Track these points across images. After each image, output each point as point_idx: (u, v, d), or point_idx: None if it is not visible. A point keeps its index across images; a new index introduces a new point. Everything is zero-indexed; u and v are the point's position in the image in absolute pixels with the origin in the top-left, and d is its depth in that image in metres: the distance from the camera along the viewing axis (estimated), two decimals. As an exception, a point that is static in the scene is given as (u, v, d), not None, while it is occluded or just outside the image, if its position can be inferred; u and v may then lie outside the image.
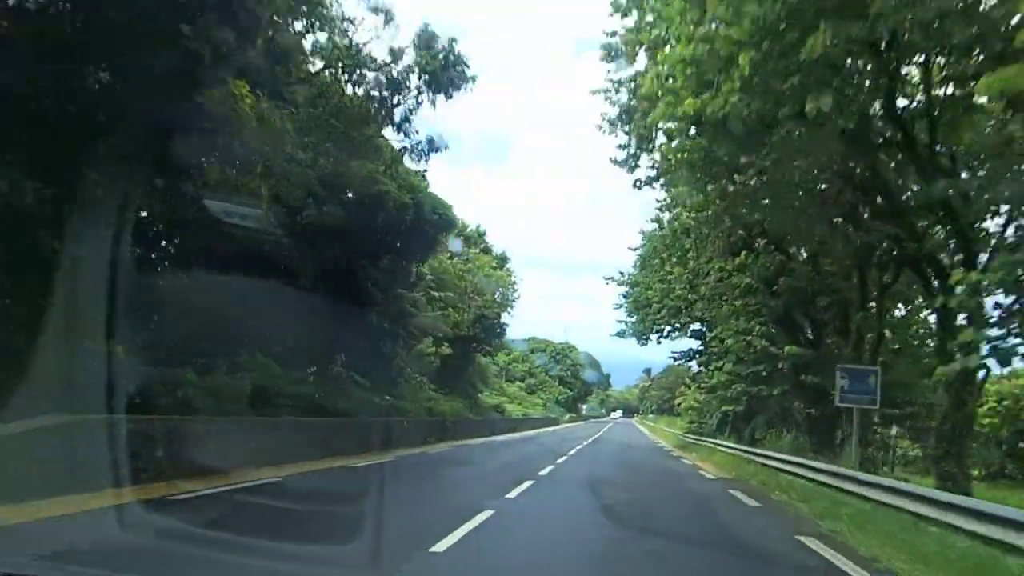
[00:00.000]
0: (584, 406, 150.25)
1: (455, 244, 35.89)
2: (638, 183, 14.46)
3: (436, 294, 33.65)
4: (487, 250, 40.36)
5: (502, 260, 41.63)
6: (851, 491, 12.90)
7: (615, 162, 13.71)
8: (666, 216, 24.55)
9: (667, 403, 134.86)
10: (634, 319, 36.85)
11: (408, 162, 20.66)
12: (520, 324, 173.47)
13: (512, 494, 12.03)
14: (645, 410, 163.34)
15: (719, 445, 29.45)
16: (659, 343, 39.53)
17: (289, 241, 18.92)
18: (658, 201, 23.89)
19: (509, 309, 42.14)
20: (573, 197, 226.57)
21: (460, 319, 35.78)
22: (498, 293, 42.53)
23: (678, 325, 37.28)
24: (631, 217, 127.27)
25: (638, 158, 13.82)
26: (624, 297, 36.60)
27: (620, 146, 13.35)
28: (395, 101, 17.45)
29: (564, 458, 23.33)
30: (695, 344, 40.33)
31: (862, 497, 12.41)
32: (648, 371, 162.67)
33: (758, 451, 22.03)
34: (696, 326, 37.61)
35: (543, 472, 17.24)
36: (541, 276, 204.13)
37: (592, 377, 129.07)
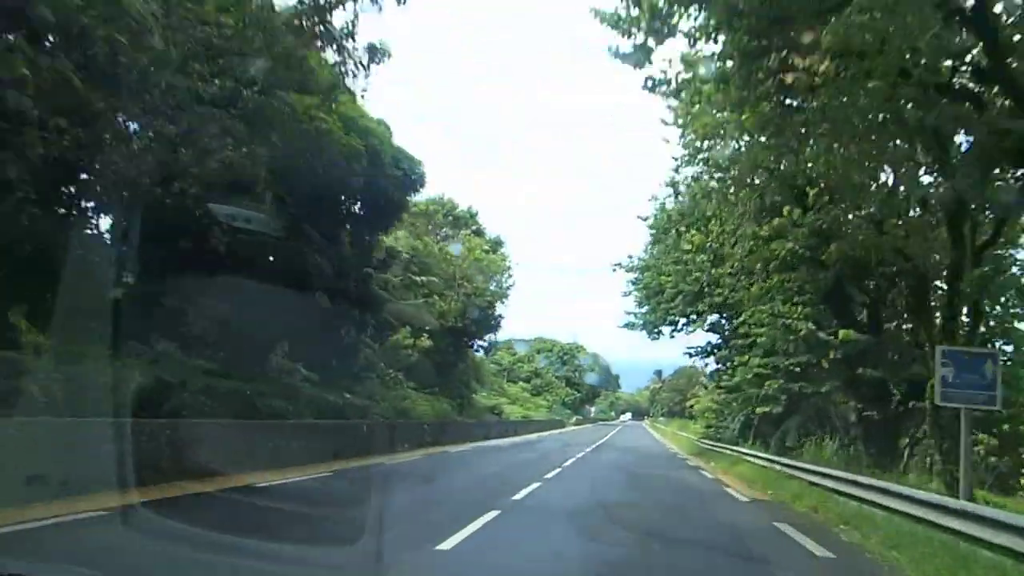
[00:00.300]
0: (592, 408, 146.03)
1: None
2: (650, 83, 10.19)
3: (418, 278, 29.44)
4: (479, 232, 36.16)
5: (496, 244, 37.39)
6: (967, 534, 8.56)
7: (618, 56, 9.44)
8: (685, 175, 20.10)
9: (678, 405, 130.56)
10: (644, 309, 32.51)
11: (359, 103, 16.38)
12: (526, 324, 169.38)
13: (449, 543, 7.69)
14: (656, 413, 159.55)
15: (743, 454, 25.06)
16: (672, 336, 35.26)
17: (201, 195, 14.70)
18: (675, 159, 19.57)
19: (504, 299, 37.95)
20: (579, 196, 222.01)
21: (447, 308, 31.56)
22: (493, 283, 38.34)
23: (694, 316, 32.97)
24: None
25: (650, 52, 9.52)
26: (633, 284, 32.27)
27: (622, 28, 9.04)
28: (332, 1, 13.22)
29: (558, 470, 19.08)
30: (713, 338, 36.10)
31: (988, 545, 8.08)
32: (659, 373, 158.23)
33: (798, 464, 17.64)
34: (714, 318, 33.33)
35: (522, 493, 12.98)
36: (551, 277, 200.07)
37: (600, 378, 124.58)
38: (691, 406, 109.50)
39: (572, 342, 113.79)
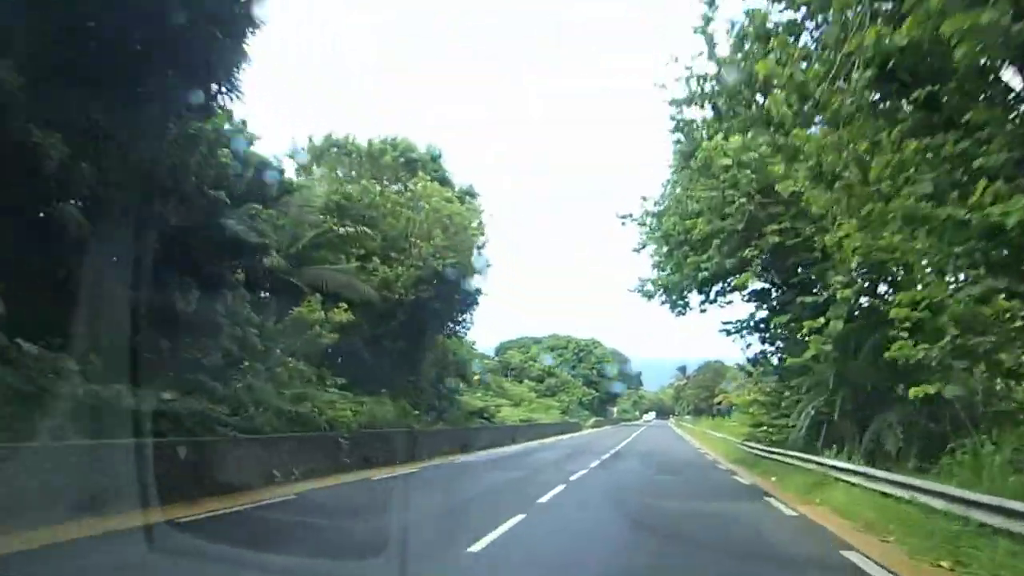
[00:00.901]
0: (614, 408, 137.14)
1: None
2: None
3: (343, 229, 20.97)
4: (444, 180, 27.51)
5: (466, 195, 28.54)
6: None
7: None
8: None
9: (705, 402, 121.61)
10: (666, 270, 23.71)
11: None
12: (539, 324, 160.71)
13: None
14: (681, 411, 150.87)
15: (830, 468, 16.23)
16: (703, 308, 26.50)
17: None
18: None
19: (478, 268, 29.32)
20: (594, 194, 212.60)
21: (396, 275, 23.09)
22: (475, 253, 29.81)
23: (731, 280, 24.23)
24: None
25: None
26: (649, 233, 23.44)
27: None
28: None
29: (518, 518, 10.45)
30: (752, 309, 27.29)
31: None
32: (683, 369, 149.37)
33: (971, 497, 9.01)
34: (760, 286, 24.64)
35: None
36: (567, 276, 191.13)
37: (620, 376, 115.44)
38: (719, 403, 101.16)
39: (590, 339, 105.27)
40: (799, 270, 19.12)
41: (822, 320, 17.47)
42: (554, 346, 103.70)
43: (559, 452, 29.66)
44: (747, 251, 18.68)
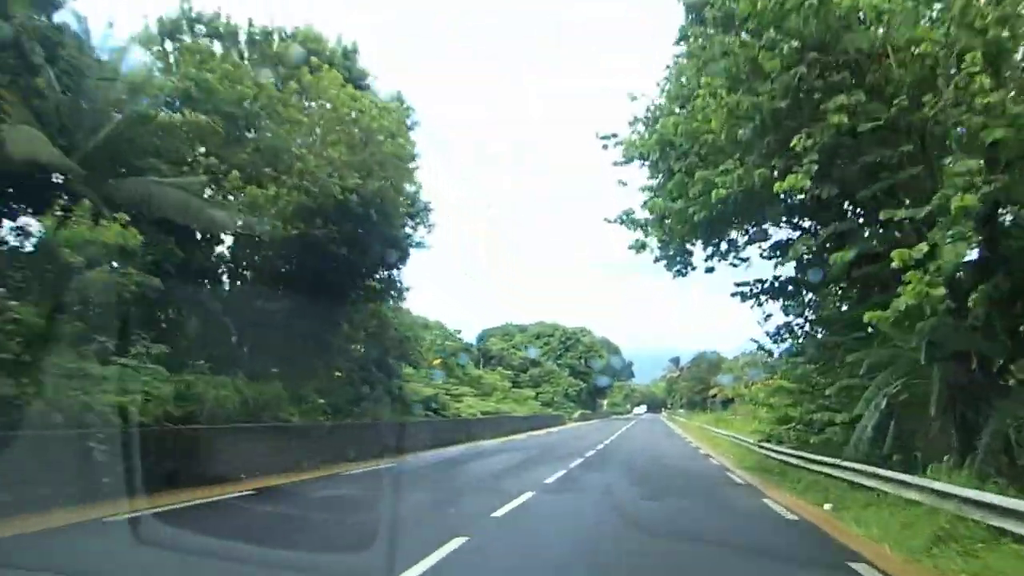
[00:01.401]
0: (603, 401, 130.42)
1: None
2: None
3: (172, 116, 13.59)
4: (361, 87, 19.79)
5: (394, 111, 20.75)
6: None
7: None
8: None
9: (698, 395, 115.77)
10: (665, 195, 16.33)
11: None
12: (528, 313, 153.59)
13: None
14: (674, 404, 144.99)
15: (969, 505, 8.95)
16: (710, 265, 19.55)
17: None
18: None
19: (416, 213, 21.99)
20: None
21: (269, 196, 15.76)
22: (410, 194, 22.46)
23: (751, 224, 17.20)
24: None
25: None
26: (642, 141, 15.99)
27: None
28: None
29: None
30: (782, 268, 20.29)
31: None
32: (676, 360, 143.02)
33: None
34: (784, 235, 17.81)
35: None
36: (561, 269, 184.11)
37: (610, 366, 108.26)
38: (713, 396, 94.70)
39: (578, 327, 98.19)
40: (878, 178, 11.84)
41: (923, 248, 10.26)
42: (540, 333, 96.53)
43: (518, 455, 22.49)
44: (797, 140, 11.39)
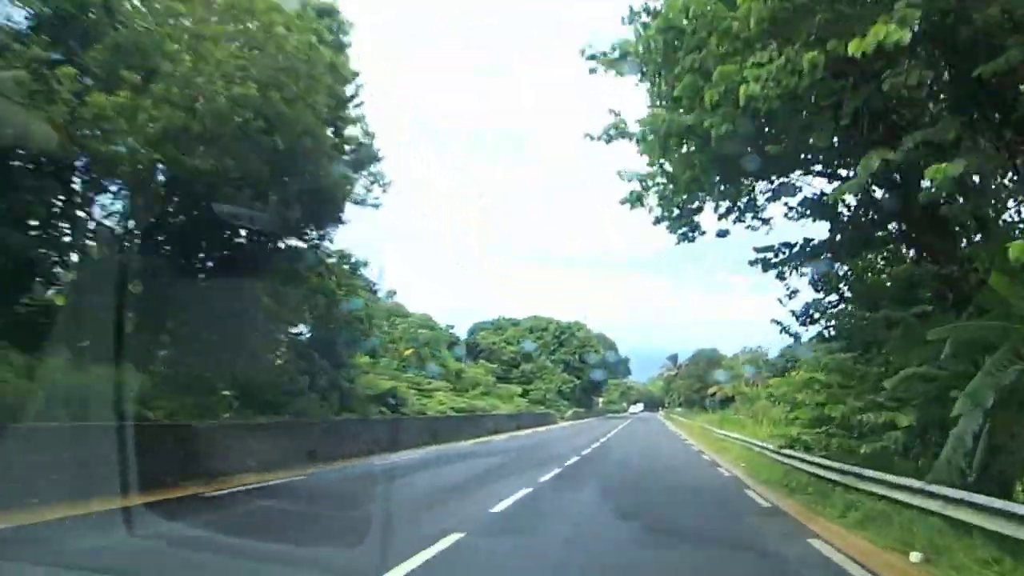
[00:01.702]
0: (599, 398, 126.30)
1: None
2: None
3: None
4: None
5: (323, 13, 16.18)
6: None
7: None
8: None
9: (696, 393, 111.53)
10: (660, 117, 11.89)
11: None
12: (521, 304, 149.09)
13: None
14: (671, 403, 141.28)
15: None
16: (724, 227, 15.60)
17: None
18: None
19: (366, 162, 17.59)
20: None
21: (117, 103, 11.35)
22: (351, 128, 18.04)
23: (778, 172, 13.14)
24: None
25: None
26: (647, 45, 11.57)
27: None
28: None
29: None
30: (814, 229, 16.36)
31: None
32: (674, 358, 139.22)
33: None
34: (824, 186, 13.84)
35: None
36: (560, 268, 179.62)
37: (606, 362, 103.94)
38: (712, 394, 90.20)
39: (573, 321, 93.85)
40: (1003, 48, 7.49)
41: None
42: (533, 327, 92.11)
43: (482, 463, 18.17)
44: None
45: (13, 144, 10.62)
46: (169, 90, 11.80)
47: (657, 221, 15.88)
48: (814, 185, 15.07)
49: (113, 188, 13.05)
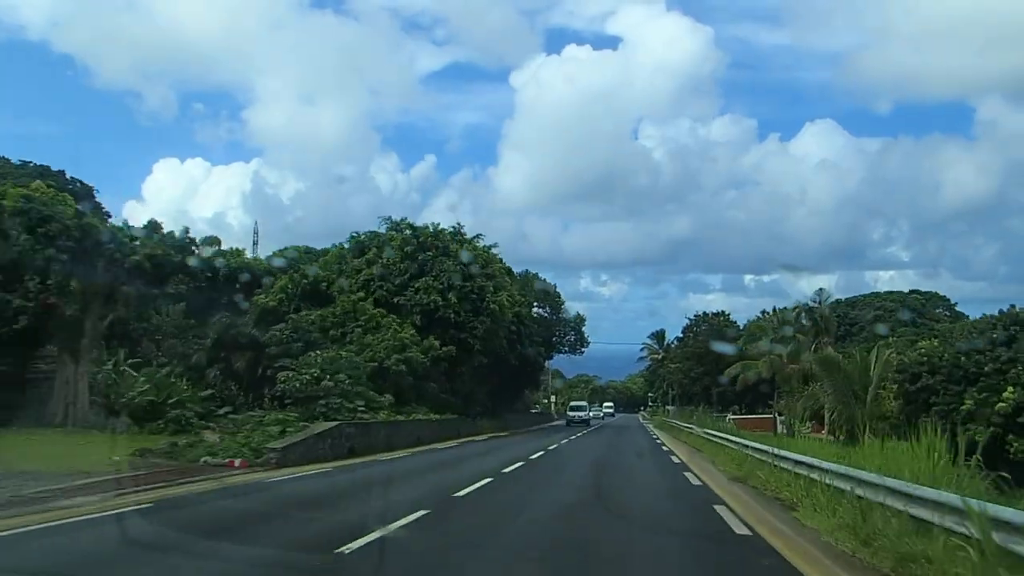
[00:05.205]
0: (545, 393, 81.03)
1: None
2: None
3: None
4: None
5: None
6: None
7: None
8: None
9: (697, 382, 67.88)
10: None
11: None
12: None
13: None
14: (658, 400, 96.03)
15: None
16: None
17: None
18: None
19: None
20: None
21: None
22: None
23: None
24: None
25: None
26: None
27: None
28: None
29: None
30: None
31: None
32: (658, 335, 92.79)
33: None
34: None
35: None
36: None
37: (547, 327, 58.46)
38: (735, 377, 51.97)
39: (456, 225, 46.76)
40: None
41: None
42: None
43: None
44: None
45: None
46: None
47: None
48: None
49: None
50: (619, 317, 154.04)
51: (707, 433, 24.84)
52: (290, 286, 33.51)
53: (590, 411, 69.67)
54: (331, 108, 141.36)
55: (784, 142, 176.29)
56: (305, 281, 33.86)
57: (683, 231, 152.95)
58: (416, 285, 37.02)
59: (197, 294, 32.65)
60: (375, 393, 27.39)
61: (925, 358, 37.80)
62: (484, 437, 33.29)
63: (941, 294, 74.86)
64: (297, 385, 25.26)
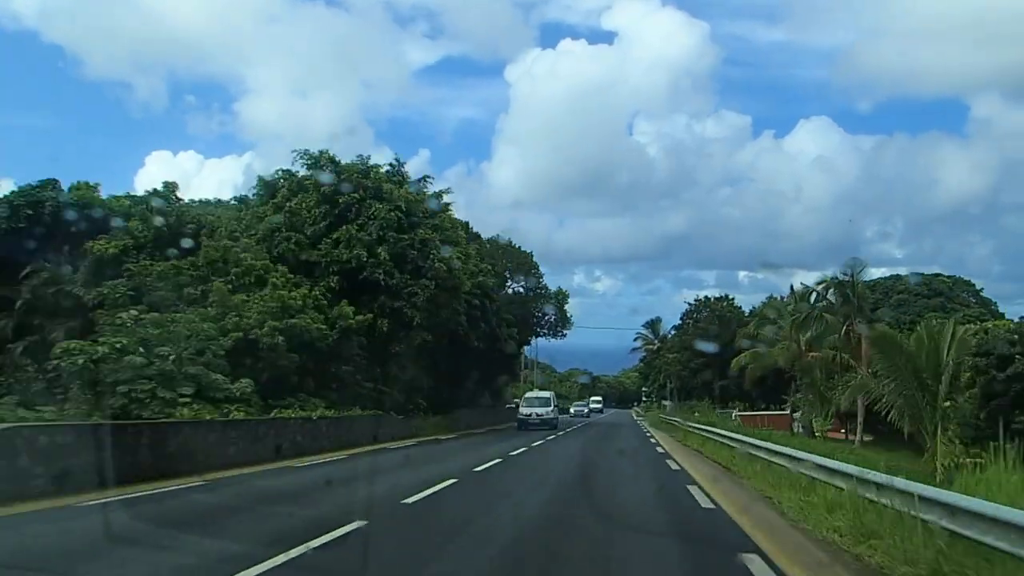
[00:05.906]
0: (530, 390, 71.07)
1: None
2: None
3: None
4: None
5: None
6: None
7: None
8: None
9: (697, 375, 64.61)
10: None
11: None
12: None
13: None
14: (652, 394, 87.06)
15: None
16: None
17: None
18: None
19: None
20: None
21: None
22: None
23: None
24: None
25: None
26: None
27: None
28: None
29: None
30: None
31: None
32: (653, 324, 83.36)
33: None
34: None
35: None
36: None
37: (523, 301, 48.74)
38: (743, 367, 46.29)
39: (391, 165, 37.03)
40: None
41: None
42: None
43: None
44: None
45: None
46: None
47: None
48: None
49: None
50: (613, 312, 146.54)
51: (748, 445, 15.16)
52: (140, 228, 23.89)
53: (569, 407, 60.07)
54: (324, 102, 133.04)
55: (779, 139, 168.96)
56: (163, 221, 24.16)
57: (677, 227, 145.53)
58: (335, 235, 27.57)
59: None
60: (224, 377, 17.78)
61: (1016, 335, 28.59)
62: (402, 444, 23.16)
63: (965, 278, 65.60)
64: (81, 362, 15.75)
